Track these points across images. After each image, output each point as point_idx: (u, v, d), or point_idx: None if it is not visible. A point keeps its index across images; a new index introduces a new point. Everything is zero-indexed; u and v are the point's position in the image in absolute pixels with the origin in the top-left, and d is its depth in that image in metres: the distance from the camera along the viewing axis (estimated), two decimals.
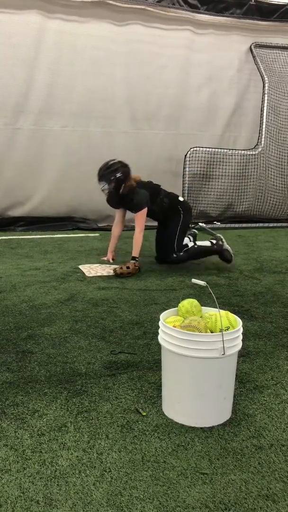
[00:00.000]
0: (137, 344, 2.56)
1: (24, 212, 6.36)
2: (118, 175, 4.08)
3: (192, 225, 4.41)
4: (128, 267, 3.97)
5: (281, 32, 7.08)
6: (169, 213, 4.20)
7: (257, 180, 6.93)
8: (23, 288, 3.57)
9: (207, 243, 4.24)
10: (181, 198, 4.30)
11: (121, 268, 3.96)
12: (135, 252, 4.12)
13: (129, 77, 6.43)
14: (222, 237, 4.25)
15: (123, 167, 4.14)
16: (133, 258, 4.09)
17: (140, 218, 4.13)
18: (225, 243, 4.22)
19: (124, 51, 6.33)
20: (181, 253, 4.13)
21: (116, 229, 4.52)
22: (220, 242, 4.21)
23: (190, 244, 4.16)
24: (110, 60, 6.30)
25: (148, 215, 4.24)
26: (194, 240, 4.35)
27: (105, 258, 4.48)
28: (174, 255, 4.14)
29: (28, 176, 6.24)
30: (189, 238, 4.34)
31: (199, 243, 4.23)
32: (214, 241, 4.24)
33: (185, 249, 4.15)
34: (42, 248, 5.16)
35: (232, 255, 4.24)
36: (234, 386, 1.91)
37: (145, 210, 4.12)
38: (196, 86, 6.79)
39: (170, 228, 4.20)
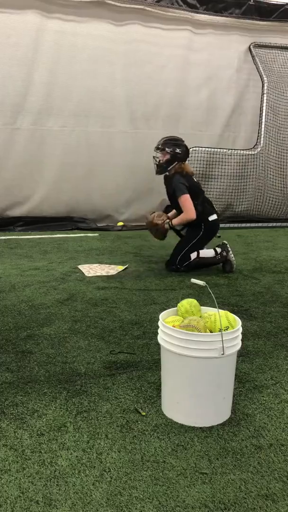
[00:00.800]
0: (136, 344, 2.56)
1: (23, 212, 6.36)
2: (177, 150, 4.08)
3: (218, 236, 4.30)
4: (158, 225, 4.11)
5: (280, 32, 7.08)
6: (191, 224, 4.10)
7: (256, 180, 6.94)
8: (22, 288, 3.57)
9: (211, 253, 4.12)
10: (212, 218, 4.14)
11: (154, 220, 4.12)
12: (175, 221, 4.08)
13: (128, 77, 6.43)
14: (227, 245, 4.15)
15: (185, 148, 4.16)
16: (170, 224, 4.09)
17: (185, 202, 4.00)
18: (230, 253, 4.11)
19: (123, 51, 6.32)
20: (182, 268, 4.06)
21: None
22: (224, 253, 4.09)
23: (193, 257, 4.05)
24: (109, 60, 6.29)
25: (175, 205, 4.16)
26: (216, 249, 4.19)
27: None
28: (174, 267, 4.09)
29: (27, 176, 6.23)
30: (214, 249, 4.18)
31: (203, 252, 4.11)
32: (219, 250, 4.11)
33: (187, 263, 4.06)
34: (42, 248, 5.16)
35: (234, 265, 4.12)
36: (233, 386, 1.91)
37: (187, 196, 3.99)
38: (195, 86, 6.79)
39: (185, 238, 4.16)
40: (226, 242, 4.20)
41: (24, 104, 6.06)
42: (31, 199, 6.35)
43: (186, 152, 4.17)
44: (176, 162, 4.09)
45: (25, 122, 6.12)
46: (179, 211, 4.15)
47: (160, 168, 4.15)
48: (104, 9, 6.13)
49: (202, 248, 4.14)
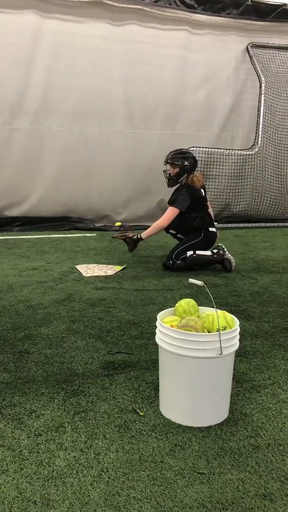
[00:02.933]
0: (134, 344, 2.56)
1: (21, 212, 6.35)
2: (186, 163, 4.22)
3: None
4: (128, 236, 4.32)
5: (278, 32, 7.10)
6: (191, 231, 4.25)
7: (254, 180, 6.95)
8: (20, 288, 3.57)
9: (208, 252, 4.17)
10: (212, 229, 4.29)
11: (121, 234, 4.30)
12: (144, 233, 4.25)
13: (126, 77, 6.43)
14: (223, 246, 4.22)
15: (194, 160, 4.29)
16: (139, 234, 4.28)
17: (168, 212, 4.18)
18: (226, 252, 4.17)
19: (121, 51, 6.33)
20: (178, 262, 4.13)
21: None
22: (221, 252, 4.15)
23: (189, 253, 4.11)
24: (107, 60, 6.30)
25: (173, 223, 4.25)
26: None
27: None
28: (171, 262, 4.14)
29: (25, 176, 6.23)
30: (211, 251, 4.24)
31: (199, 252, 4.16)
32: (215, 251, 4.18)
33: (182, 257, 4.12)
34: (39, 248, 5.15)
35: (233, 263, 4.16)
36: (231, 385, 1.91)
37: (176, 210, 4.16)
38: (193, 86, 6.80)
39: (184, 239, 4.27)
40: (221, 244, 4.28)
41: (22, 104, 6.06)
42: (28, 199, 6.35)
43: (194, 163, 4.31)
44: (186, 174, 4.24)
45: (23, 122, 6.11)
46: (175, 223, 4.24)
47: (171, 181, 4.32)
48: (102, 9, 6.14)
49: (198, 249, 4.19)
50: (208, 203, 4.41)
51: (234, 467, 1.58)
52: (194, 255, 4.11)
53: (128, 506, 1.40)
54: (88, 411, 1.90)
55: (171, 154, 4.29)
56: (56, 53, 6.06)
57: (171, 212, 4.17)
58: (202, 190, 4.32)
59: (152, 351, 2.45)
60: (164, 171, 4.32)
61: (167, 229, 4.30)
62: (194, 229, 4.22)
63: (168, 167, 4.28)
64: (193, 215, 4.19)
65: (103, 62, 6.28)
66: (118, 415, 1.87)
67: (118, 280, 3.84)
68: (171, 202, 4.24)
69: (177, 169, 4.23)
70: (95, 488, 1.47)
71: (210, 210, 4.42)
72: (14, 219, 6.30)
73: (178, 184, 4.30)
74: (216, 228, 4.40)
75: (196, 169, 4.41)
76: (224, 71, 6.91)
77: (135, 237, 4.31)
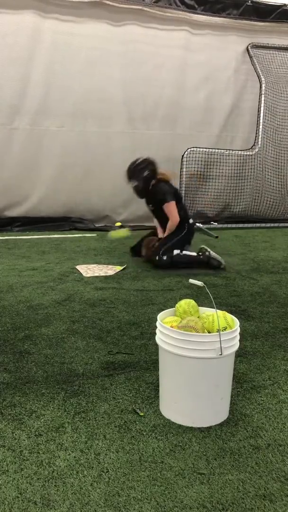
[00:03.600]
0: (134, 344, 2.56)
1: (21, 212, 6.35)
2: (145, 173, 4.32)
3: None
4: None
5: (278, 33, 7.10)
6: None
7: (254, 180, 6.95)
8: (20, 288, 3.57)
9: (193, 254, 4.30)
10: (191, 221, 4.49)
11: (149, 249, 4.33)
12: (165, 235, 4.35)
13: (126, 77, 6.43)
14: (206, 247, 4.34)
15: (150, 164, 4.37)
16: (159, 239, 4.36)
17: (170, 209, 4.29)
18: (211, 252, 4.26)
19: (120, 51, 6.33)
20: (164, 257, 4.17)
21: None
22: (207, 253, 4.25)
23: (176, 252, 4.22)
24: (106, 60, 6.30)
25: (157, 213, 4.42)
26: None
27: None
28: (157, 258, 4.18)
29: (25, 177, 6.23)
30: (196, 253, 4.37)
31: (185, 252, 4.30)
32: (200, 253, 4.29)
33: (169, 254, 4.19)
34: (39, 248, 5.15)
35: (221, 261, 4.23)
36: (231, 386, 1.91)
37: (173, 203, 4.29)
38: (193, 87, 6.80)
39: (168, 236, 4.33)
40: (204, 246, 4.40)
41: (22, 104, 6.06)
42: (29, 199, 6.35)
43: (152, 166, 4.39)
44: (151, 181, 4.36)
45: (22, 122, 6.12)
46: (162, 219, 4.41)
47: (142, 192, 4.43)
48: (102, 9, 6.13)
49: (183, 247, 4.36)
50: None
51: (234, 467, 1.58)
52: (181, 254, 4.23)
53: (128, 506, 1.40)
54: (88, 411, 1.90)
55: (130, 171, 4.36)
56: (56, 53, 6.06)
57: (171, 207, 4.28)
58: (173, 184, 4.49)
59: (152, 352, 2.45)
60: (132, 187, 4.40)
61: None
62: (179, 223, 4.33)
63: (134, 182, 4.36)
64: (178, 206, 4.34)
65: (103, 62, 6.28)
66: (118, 416, 1.87)
67: (118, 280, 3.84)
68: (158, 201, 4.32)
69: (141, 181, 4.33)
70: (95, 489, 1.47)
71: None
72: (14, 219, 6.30)
73: (151, 187, 4.38)
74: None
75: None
76: (224, 72, 6.91)
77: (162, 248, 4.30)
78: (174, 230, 4.33)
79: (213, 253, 4.26)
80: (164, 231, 4.46)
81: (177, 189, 4.46)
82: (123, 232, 4.39)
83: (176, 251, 4.23)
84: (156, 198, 4.36)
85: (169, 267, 4.17)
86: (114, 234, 4.42)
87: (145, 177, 4.31)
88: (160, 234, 4.55)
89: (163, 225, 4.42)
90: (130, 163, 4.40)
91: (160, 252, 4.20)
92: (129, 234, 4.36)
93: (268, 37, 7.03)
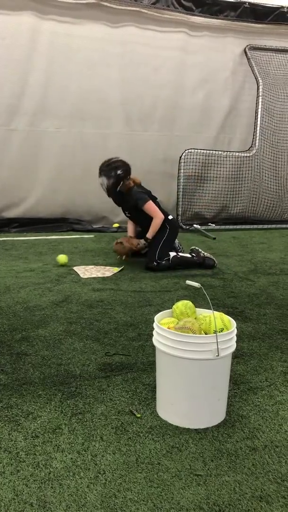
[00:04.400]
0: (131, 345, 2.56)
1: (19, 213, 6.35)
2: (119, 172, 4.28)
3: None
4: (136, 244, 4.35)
5: (275, 35, 7.12)
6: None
7: (251, 181, 6.96)
8: (17, 289, 3.57)
9: (188, 255, 4.32)
10: (170, 217, 4.47)
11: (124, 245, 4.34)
12: (149, 234, 4.30)
13: (124, 78, 6.44)
14: (198, 248, 4.40)
15: (124, 165, 4.35)
16: (146, 239, 4.31)
17: (151, 208, 4.29)
18: (204, 253, 4.31)
19: (118, 53, 6.34)
20: (163, 262, 4.19)
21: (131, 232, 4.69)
22: (201, 254, 4.29)
23: (172, 254, 4.24)
24: (104, 62, 6.30)
25: (136, 218, 4.46)
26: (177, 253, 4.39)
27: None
28: (155, 263, 4.18)
29: (22, 178, 6.23)
30: (190, 254, 4.40)
31: (181, 254, 4.32)
32: (194, 254, 4.32)
33: (166, 258, 4.21)
34: (37, 249, 5.15)
35: (214, 259, 4.31)
36: (228, 387, 1.91)
37: (150, 202, 4.29)
38: (191, 88, 6.81)
39: (155, 240, 4.31)
40: (194, 246, 4.45)
41: (20, 105, 6.06)
42: (26, 200, 6.35)
43: (127, 167, 4.37)
44: (122, 181, 4.33)
45: (20, 123, 6.12)
46: (142, 223, 4.45)
47: (110, 191, 4.40)
48: (100, 10, 6.14)
49: (172, 246, 4.41)
50: None
51: (231, 468, 1.58)
52: (178, 256, 4.24)
53: (125, 508, 1.40)
54: (85, 413, 1.90)
55: (103, 166, 4.34)
56: (54, 54, 6.06)
57: (151, 206, 4.28)
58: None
59: (150, 353, 2.45)
60: (101, 184, 4.37)
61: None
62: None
63: (104, 180, 4.32)
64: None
65: (101, 63, 6.29)
66: (115, 417, 1.87)
67: (115, 281, 3.84)
68: (136, 204, 4.31)
69: (112, 180, 4.29)
70: (92, 490, 1.47)
71: None
72: (12, 221, 6.29)
73: (123, 194, 4.39)
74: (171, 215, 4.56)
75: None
76: (222, 73, 6.93)
77: (145, 244, 4.34)
78: (157, 233, 4.31)
79: (206, 253, 4.33)
80: (146, 230, 4.39)
81: (150, 191, 4.47)
82: (64, 258, 4.29)
83: (172, 253, 4.24)
84: (132, 203, 4.34)
85: (167, 269, 4.18)
86: (61, 259, 4.30)
87: (117, 175, 4.27)
88: (132, 235, 4.60)
89: (146, 229, 4.37)
90: (105, 160, 4.38)
91: (156, 258, 4.19)
92: (66, 261, 4.29)
93: (265, 39, 7.05)
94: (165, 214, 4.40)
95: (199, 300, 3.31)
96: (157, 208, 4.31)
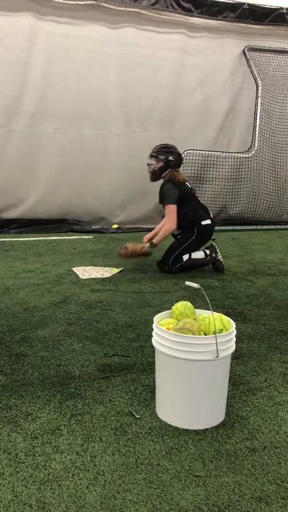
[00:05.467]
0: (131, 346, 2.56)
1: (18, 214, 6.34)
2: (170, 158, 4.19)
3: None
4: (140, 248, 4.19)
5: (274, 36, 7.13)
6: (185, 227, 4.17)
7: (250, 182, 6.96)
8: (17, 290, 3.56)
9: (201, 254, 4.21)
10: (204, 222, 4.19)
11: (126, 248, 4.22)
12: (156, 240, 4.15)
13: (123, 79, 6.44)
14: (216, 247, 4.26)
15: (178, 155, 4.26)
16: (152, 244, 4.18)
17: (169, 211, 4.09)
18: (218, 254, 4.22)
19: (117, 54, 6.34)
20: (174, 269, 4.12)
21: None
22: (213, 255, 4.20)
23: (185, 258, 4.13)
24: (103, 63, 6.30)
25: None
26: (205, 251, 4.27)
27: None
28: (167, 268, 4.14)
29: (21, 178, 6.22)
30: (204, 251, 4.27)
31: (194, 254, 4.18)
32: (208, 252, 4.22)
33: (179, 264, 4.13)
34: (36, 250, 5.15)
35: (223, 266, 4.23)
36: (227, 388, 1.91)
37: (173, 207, 4.07)
38: (190, 89, 6.81)
39: (178, 241, 4.21)
40: (214, 244, 4.30)
41: (19, 106, 6.06)
42: (25, 201, 6.34)
43: (179, 159, 4.27)
44: (169, 169, 4.19)
45: (19, 124, 6.11)
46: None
47: (154, 175, 4.26)
48: (99, 11, 6.15)
49: (194, 251, 4.21)
50: None
51: (230, 469, 1.58)
52: (189, 260, 4.15)
53: (124, 509, 1.39)
54: (85, 414, 1.90)
55: (157, 147, 4.27)
56: (52, 55, 6.06)
57: (172, 210, 4.07)
58: (187, 184, 4.32)
59: (149, 354, 2.44)
60: (148, 164, 4.26)
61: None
62: (187, 225, 4.15)
63: (153, 161, 4.22)
64: (185, 209, 4.12)
65: (99, 64, 6.29)
66: (115, 418, 1.87)
67: (115, 282, 3.84)
68: (162, 200, 4.18)
69: (161, 164, 4.17)
70: (91, 491, 1.46)
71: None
72: (11, 221, 6.29)
73: (162, 180, 4.24)
74: (213, 220, 4.31)
75: (182, 166, 4.34)
76: (221, 74, 6.93)
77: (149, 249, 4.20)
78: (184, 233, 4.17)
79: (219, 256, 4.21)
80: (175, 236, 4.27)
81: (187, 190, 4.21)
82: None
83: (185, 257, 4.13)
84: (160, 195, 4.22)
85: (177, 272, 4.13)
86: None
87: (167, 160, 4.14)
88: (149, 236, 4.34)
89: (181, 230, 4.21)
90: (160, 143, 4.31)
91: (169, 263, 4.11)
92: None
93: (264, 40, 7.06)
94: (200, 217, 4.17)
95: (199, 301, 3.31)
96: (174, 215, 4.06)
